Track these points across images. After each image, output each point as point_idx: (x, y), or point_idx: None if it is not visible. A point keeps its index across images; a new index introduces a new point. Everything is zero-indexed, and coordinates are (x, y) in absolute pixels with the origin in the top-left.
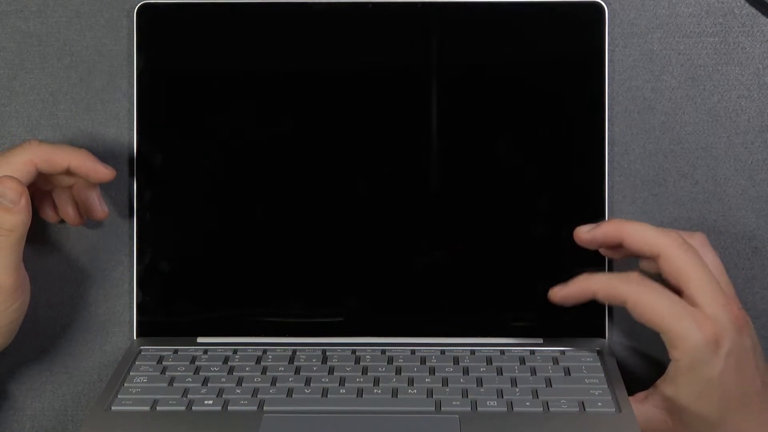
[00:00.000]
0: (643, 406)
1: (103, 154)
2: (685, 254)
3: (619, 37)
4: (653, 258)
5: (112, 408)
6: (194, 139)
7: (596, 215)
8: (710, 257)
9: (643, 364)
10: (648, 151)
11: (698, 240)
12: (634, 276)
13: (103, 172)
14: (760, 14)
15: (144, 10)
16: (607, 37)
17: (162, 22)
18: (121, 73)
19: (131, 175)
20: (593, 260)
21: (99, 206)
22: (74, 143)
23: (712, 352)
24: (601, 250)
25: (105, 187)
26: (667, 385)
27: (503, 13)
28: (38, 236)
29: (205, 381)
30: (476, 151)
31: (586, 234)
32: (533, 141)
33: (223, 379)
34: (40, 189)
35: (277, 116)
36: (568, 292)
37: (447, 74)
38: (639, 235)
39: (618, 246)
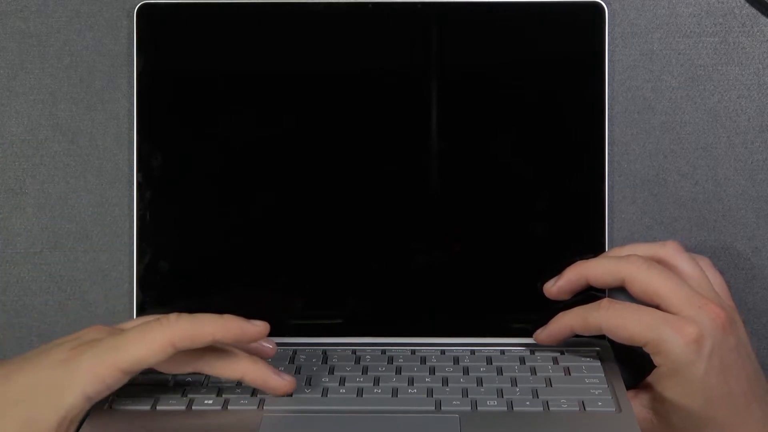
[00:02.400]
0: (631, 405)
1: (103, 154)
2: (648, 271)
3: (619, 37)
4: (621, 286)
5: (113, 407)
6: (194, 139)
7: (596, 215)
8: (686, 263)
9: (643, 364)
10: (648, 151)
11: (671, 248)
12: (603, 302)
13: (253, 331)
14: (760, 14)
15: (144, 10)
16: (607, 37)
17: (162, 22)
18: (121, 73)
19: (131, 175)
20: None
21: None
22: (74, 143)
23: (694, 353)
24: None
25: (104, 187)
26: (652, 387)
27: (503, 13)
28: (38, 236)
29: (205, 380)
30: (476, 152)
31: (553, 288)
32: (533, 141)
33: (223, 379)
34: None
35: (277, 116)
36: (549, 331)
37: (447, 74)
38: (600, 269)
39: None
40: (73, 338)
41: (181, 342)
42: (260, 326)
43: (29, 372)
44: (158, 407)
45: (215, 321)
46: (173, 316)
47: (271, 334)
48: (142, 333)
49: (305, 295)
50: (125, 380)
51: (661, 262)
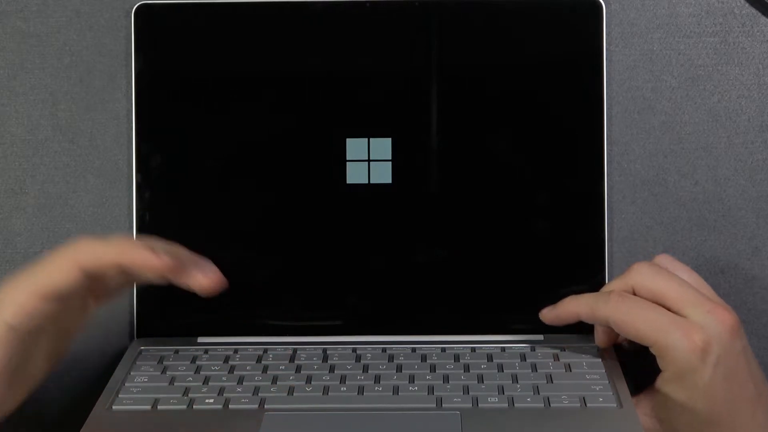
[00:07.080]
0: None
1: (103, 154)
2: (654, 277)
3: (619, 36)
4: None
5: (114, 407)
6: (194, 138)
7: (596, 215)
8: (683, 271)
9: (644, 359)
10: (648, 151)
11: (664, 260)
12: (614, 294)
13: (154, 263)
14: (760, 14)
15: (142, 10)
16: (604, 35)
17: (160, 22)
18: (121, 73)
19: (131, 175)
20: (593, 259)
21: (200, 277)
22: (74, 143)
23: (699, 360)
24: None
25: (104, 187)
26: (655, 392)
27: (501, 12)
28: (38, 236)
29: (206, 380)
30: (475, 151)
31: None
32: (532, 141)
33: (224, 378)
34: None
35: (276, 116)
36: (557, 313)
37: (445, 73)
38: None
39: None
40: None
41: (86, 263)
42: (164, 259)
43: None
44: (159, 407)
45: (121, 246)
46: (82, 239)
47: (272, 333)
48: (52, 257)
49: (305, 295)
50: (47, 309)
51: None
